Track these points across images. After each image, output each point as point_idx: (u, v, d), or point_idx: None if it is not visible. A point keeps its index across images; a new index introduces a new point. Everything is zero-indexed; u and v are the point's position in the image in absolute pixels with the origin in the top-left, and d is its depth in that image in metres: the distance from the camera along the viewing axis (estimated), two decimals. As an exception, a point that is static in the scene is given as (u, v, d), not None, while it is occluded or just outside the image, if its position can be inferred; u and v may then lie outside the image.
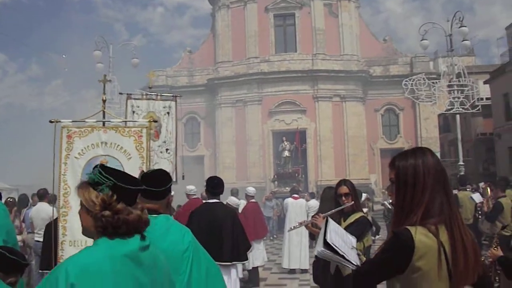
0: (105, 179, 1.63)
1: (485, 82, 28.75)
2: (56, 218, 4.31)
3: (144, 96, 7.16)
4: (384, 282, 1.92)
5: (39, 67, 68.57)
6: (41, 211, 7.62)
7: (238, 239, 4.94)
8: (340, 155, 27.00)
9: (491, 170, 29.78)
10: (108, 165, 1.84)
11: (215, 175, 5.60)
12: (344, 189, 3.93)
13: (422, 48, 19.17)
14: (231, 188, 9.49)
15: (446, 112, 20.35)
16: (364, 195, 9.29)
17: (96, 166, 1.70)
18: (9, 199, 8.63)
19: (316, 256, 3.11)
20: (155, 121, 5.76)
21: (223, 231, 4.82)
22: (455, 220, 1.84)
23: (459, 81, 17.44)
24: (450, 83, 18.03)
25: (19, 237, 6.64)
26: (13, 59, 74.19)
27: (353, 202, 3.87)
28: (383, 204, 14.21)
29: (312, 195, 15.24)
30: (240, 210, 8.65)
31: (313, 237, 4.15)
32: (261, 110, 27.68)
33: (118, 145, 4.33)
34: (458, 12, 17.18)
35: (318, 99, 27.38)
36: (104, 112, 4.89)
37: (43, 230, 6.12)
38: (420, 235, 1.77)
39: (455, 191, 8.96)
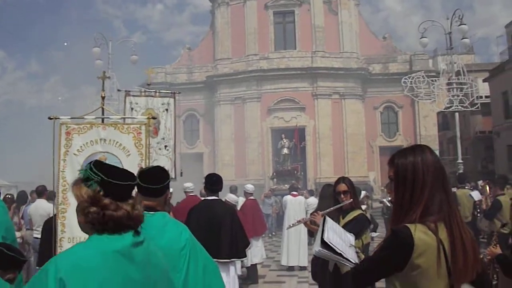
0: (94, 174, 1.62)
1: (484, 80, 28.76)
2: (55, 215, 4.31)
3: (143, 93, 7.14)
4: (384, 280, 1.92)
5: (38, 64, 68.50)
6: (40, 208, 7.63)
7: (236, 236, 4.94)
8: (339, 153, 27.00)
9: (489, 168, 29.87)
10: (107, 162, 1.83)
11: (214, 172, 5.59)
12: (343, 186, 3.94)
13: (422, 46, 19.18)
14: (230, 185, 9.50)
15: (445, 110, 20.33)
16: (363, 193, 9.29)
17: (90, 163, 1.69)
18: (7, 196, 8.63)
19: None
20: (154, 118, 5.75)
21: (222, 228, 4.81)
22: (454, 217, 1.84)
23: (458, 79, 17.44)
24: (449, 81, 18.01)
25: (18, 234, 6.64)
26: (11, 56, 74.15)
27: (351, 199, 3.88)
28: (382, 202, 14.24)
29: (311, 193, 15.22)
30: (239, 207, 8.64)
31: (311, 234, 4.16)
32: (260, 108, 27.64)
33: (117, 142, 4.31)
34: (457, 10, 17.18)
35: (317, 96, 27.36)
36: (103, 109, 4.88)
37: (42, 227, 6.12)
38: (419, 233, 1.76)
39: (454, 189, 8.95)
